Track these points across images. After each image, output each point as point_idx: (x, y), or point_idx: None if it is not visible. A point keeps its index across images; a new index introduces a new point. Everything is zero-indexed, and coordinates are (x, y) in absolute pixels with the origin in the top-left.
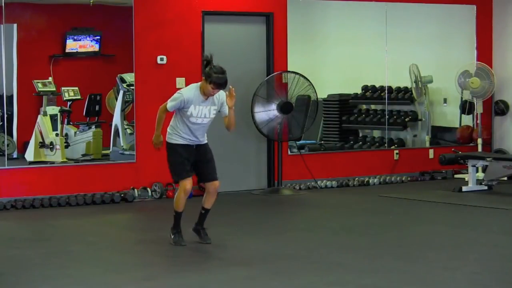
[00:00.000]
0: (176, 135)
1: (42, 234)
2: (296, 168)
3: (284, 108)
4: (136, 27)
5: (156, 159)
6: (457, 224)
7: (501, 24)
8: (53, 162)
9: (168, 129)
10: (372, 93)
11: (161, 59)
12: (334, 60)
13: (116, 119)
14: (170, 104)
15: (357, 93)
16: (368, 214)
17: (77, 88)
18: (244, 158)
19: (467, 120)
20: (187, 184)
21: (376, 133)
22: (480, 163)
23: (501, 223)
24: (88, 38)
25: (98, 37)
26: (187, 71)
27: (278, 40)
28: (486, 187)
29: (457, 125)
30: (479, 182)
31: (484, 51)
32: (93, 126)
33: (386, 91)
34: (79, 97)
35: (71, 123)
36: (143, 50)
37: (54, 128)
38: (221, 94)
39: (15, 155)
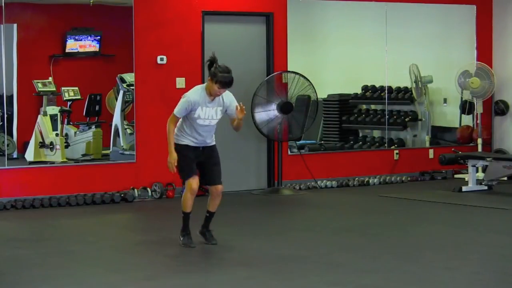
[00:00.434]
0: (183, 136)
1: (42, 234)
2: (296, 168)
3: (284, 108)
4: (136, 27)
5: (156, 159)
6: (457, 224)
7: (501, 24)
8: (53, 162)
9: (176, 131)
10: (372, 93)
11: (161, 59)
12: (334, 60)
13: (116, 119)
14: (177, 109)
15: (357, 93)
16: (368, 214)
17: (77, 88)
18: (244, 158)
19: (467, 120)
20: (193, 183)
21: (376, 133)
22: (480, 163)
23: (501, 223)
24: (88, 38)
25: (98, 37)
26: (187, 71)
27: (278, 40)
28: (486, 187)
29: (457, 125)
30: (479, 182)
31: (484, 51)
32: (93, 126)
33: (386, 91)
34: (79, 97)
35: (71, 123)
36: (143, 50)
37: (54, 128)
38: (227, 95)
39: (15, 155)
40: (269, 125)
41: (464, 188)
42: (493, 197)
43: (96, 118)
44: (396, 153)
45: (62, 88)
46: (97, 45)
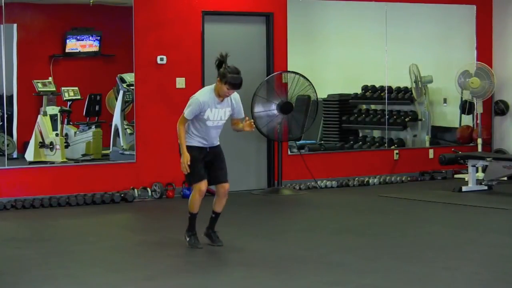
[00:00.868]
0: (191, 138)
1: (42, 234)
2: (296, 168)
3: (284, 108)
4: (136, 27)
5: (156, 159)
6: (457, 224)
7: (501, 24)
8: (53, 162)
9: None
10: (372, 93)
11: (161, 59)
12: (334, 60)
13: (116, 119)
14: (187, 111)
15: (357, 93)
16: (368, 214)
17: (77, 88)
18: (244, 158)
19: (467, 120)
20: (202, 185)
21: (376, 133)
22: (480, 163)
23: (501, 223)
24: (88, 38)
25: (98, 37)
26: (187, 71)
27: (278, 40)
28: (486, 187)
29: (457, 125)
30: (479, 182)
31: (484, 51)
32: (93, 126)
33: (386, 91)
34: (79, 97)
35: (71, 123)
36: (143, 50)
37: (54, 128)
38: (235, 96)
39: (15, 155)
40: (269, 125)
41: (464, 188)
42: (493, 197)
43: (96, 118)
44: (396, 153)
45: (62, 88)
46: (97, 45)
